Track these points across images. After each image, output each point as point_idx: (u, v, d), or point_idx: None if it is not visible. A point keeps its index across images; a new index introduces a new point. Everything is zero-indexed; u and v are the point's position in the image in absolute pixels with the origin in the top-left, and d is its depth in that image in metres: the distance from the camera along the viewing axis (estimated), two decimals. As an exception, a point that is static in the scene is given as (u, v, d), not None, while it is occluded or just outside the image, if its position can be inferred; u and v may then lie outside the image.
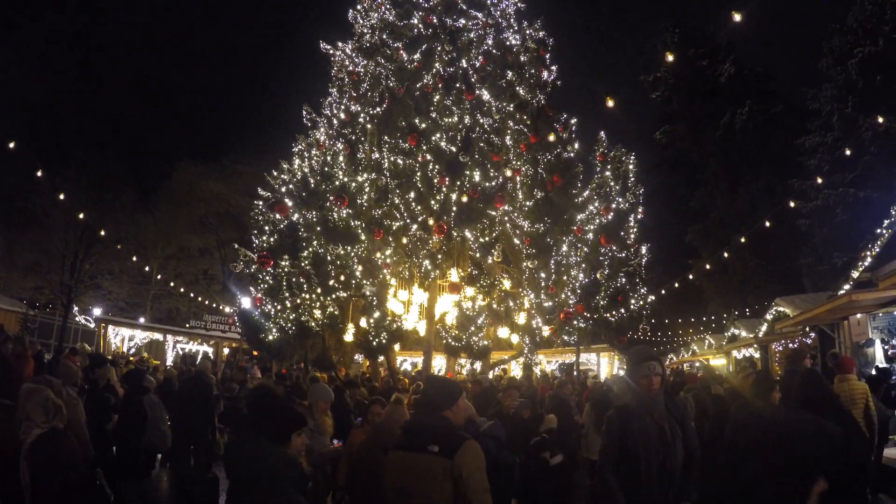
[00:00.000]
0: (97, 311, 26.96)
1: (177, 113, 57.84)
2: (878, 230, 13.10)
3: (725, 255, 23.99)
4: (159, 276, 31.82)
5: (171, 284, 31.10)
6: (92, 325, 26.25)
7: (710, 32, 28.58)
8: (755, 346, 20.87)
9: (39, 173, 16.46)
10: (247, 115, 59.03)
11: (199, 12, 68.35)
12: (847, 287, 12.87)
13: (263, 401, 2.95)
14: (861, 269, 13.45)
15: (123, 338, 25.09)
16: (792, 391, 3.69)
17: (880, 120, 19.34)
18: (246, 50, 67.74)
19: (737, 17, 6.99)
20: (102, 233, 22.59)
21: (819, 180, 21.78)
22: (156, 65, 61.05)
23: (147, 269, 30.10)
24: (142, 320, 28.95)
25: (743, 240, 22.13)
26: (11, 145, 11.18)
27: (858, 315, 11.22)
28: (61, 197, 21.25)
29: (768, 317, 19.02)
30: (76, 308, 27.08)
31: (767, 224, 20.41)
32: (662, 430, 2.96)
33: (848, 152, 19.67)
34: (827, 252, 22.82)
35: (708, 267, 25.47)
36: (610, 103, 7.99)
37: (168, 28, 64.66)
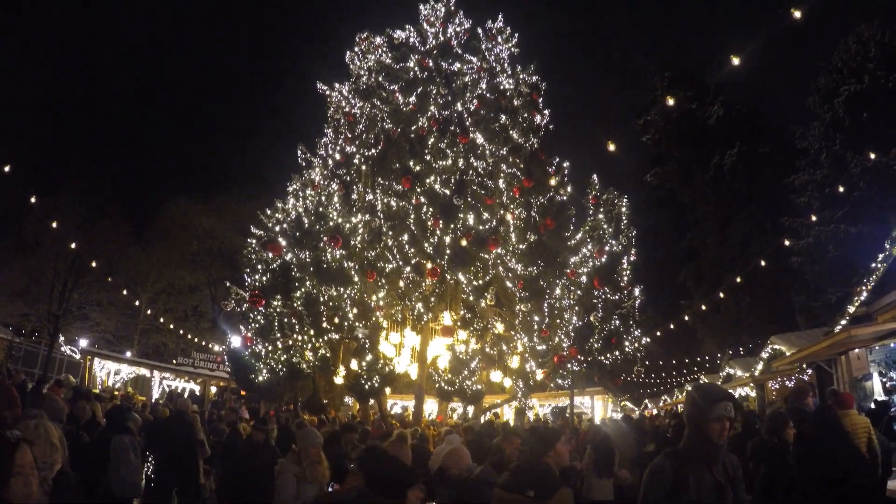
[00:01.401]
0: (84, 343, 26.41)
1: (172, 148, 58.29)
2: (873, 264, 13.17)
3: (721, 294, 24.06)
4: (149, 311, 31.35)
5: (161, 320, 30.60)
6: (78, 357, 25.68)
7: (699, 76, 29.47)
8: (751, 385, 20.71)
9: (33, 199, 16.39)
10: (242, 153, 59.59)
11: (198, 49, 69.81)
12: (844, 322, 12.84)
13: (377, 460, 2.90)
14: (857, 303, 13.46)
15: (109, 371, 24.56)
16: (806, 428, 3.58)
17: (872, 156, 19.74)
18: (243, 87, 68.95)
19: (735, 62, 7.11)
20: (94, 263, 22.34)
21: (814, 218, 22.04)
22: (153, 99, 61.84)
23: (136, 302, 29.69)
24: (129, 354, 28.35)
25: (739, 279, 22.21)
26: (7, 168, 11.13)
27: (857, 350, 11.17)
28: (53, 225, 21.11)
29: (764, 355, 18.95)
30: (62, 338, 26.54)
31: (763, 263, 20.53)
32: (721, 488, 2.49)
33: (841, 189, 19.99)
34: (820, 288, 22.91)
35: (704, 308, 25.49)
36: (611, 147, 8.06)
37: (166, 64, 65.82)
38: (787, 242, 22.40)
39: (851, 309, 13.47)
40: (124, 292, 26.08)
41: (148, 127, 58.14)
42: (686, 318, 25.69)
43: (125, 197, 32.70)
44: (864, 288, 13.43)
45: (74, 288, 26.94)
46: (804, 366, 15.25)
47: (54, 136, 42.26)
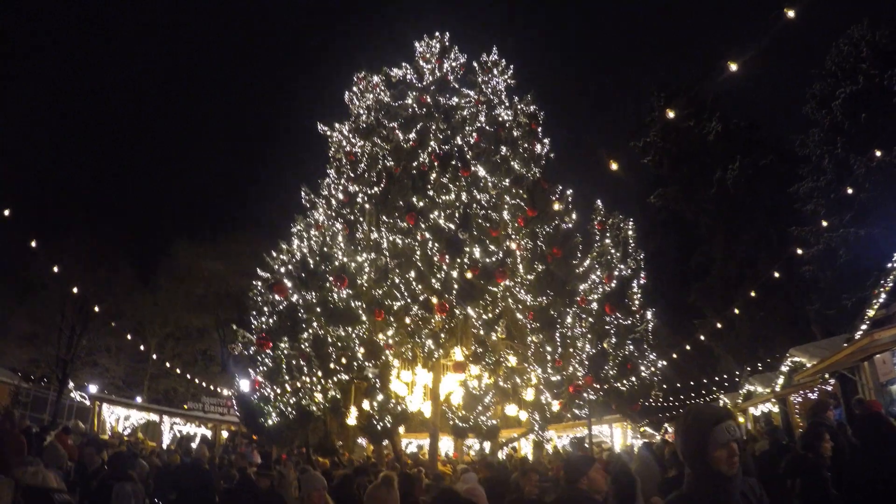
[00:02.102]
0: (93, 389, 26.26)
1: (177, 192, 59.10)
2: (889, 265, 12.93)
3: (736, 311, 23.71)
4: (156, 356, 31.19)
5: (168, 365, 30.43)
6: (87, 403, 25.50)
7: (695, 93, 29.64)
8: (773, 400, 20.25)
9: (34, 243, 16.48)
10: (246, 196, 60.37)
11: (202, 94, 71.40)
12: (864, 327, 12.54)
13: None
14: (876, 306, 13.17)
15: (119, 417, 24.35)
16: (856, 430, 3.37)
17: (878, 154, 19.59)
18: (246, 131, 70.22)
19: (733, 67, 7.07)
20: (99, 308, 22.34)
21: (824, 224, 21.82)
22: (157, 143, 63.00)
23: (144, 347, 29.59)
24: (139, 400, 28.12)
25: (753, 293, 21.86)
26: (7, 212, 11.19)
27: (878, 355, 10.86)
28: (57, 269, 21.18)
29: (784, 369, 18.60)
30: (71, 384, 26.40)
31: (776, 274, 20.19)
32: None
33: (850, 191, 19.81)
34: (834, 296, 22.53)
35: (719, 326, 25.09)
36: (614, 166, 7.98)
37: (171, 109, 67.27)
38: (798, 251, 22.12)
39: (871, 313, 13.19)
40: (129, 337, 26.01)
41: (153, 171, 59.07)
42: (701, 336, 25.29)
43: (131, 241, 32.97)
44: (881, 290, 13.18)
45: (83, 333, 26.94)
46: (826, 376, 14.93)
47: (60, 180, 42.97)
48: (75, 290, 19.63)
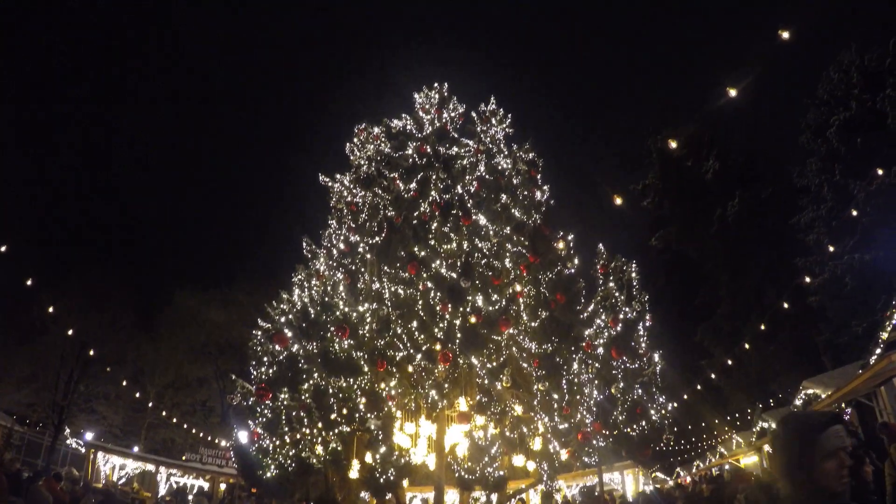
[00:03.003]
0: (89, 436, 25.74)
1: (180, 240, 59.58)
2: None
3: (746, 346, 23.43)
4: (155, 405, 30.68)
5: (164, 413, 29.91)
6: (82, 450, 24.92)
7: (692, 132, 30.12)
8: None
9: (35, 286, 16.38)
10: (248, 246, 60.88)
11: (205, 145, 72.85)
12: (878, 351, 12.26)
13: None
14: (889, 328, 12.93)
15: (114, 466, 23.76)
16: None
17: (879, 172, 19.67)
18: (248, 182, 71.39)
19: (732, 93, 7.09)
20: (95, 353, 22.13)
21: (831, 248, 21.73)
22: (160, 192, 63.85)
23: (143, 396, 29.15)
24: (136, 449, 27.49)
25: (763, 326, 21.56)
26: (3, 248, 11.11)
27: None
28: (51, 309, 21.03)
29: (798, 402, 18.28)
30: (67, 430, 25.88)
31: (786, 305, 19.94)
32: None
33: (854, 213, 19.79)
34: (844, 323, 22.29)
35: (730, 362, 24.75)
36: (618, 201, 7.91)
37: (174, 160, 68.45)
38: (807, 279, 21.94)
39: (884, 335, 12.97)
40: (124, 383, 25.69)
41: (156, 218, 59.59)
42: (713, 375, 24.92)
43: (133, 288, 33.00)
44: (894, 311, 13.00)
45: (81, 379, 26.66)
46: (843, 405, 14.60)
47: (63, 226, 43.37)
48: (71, 332, 19.48)
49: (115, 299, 29.49)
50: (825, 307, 23.54)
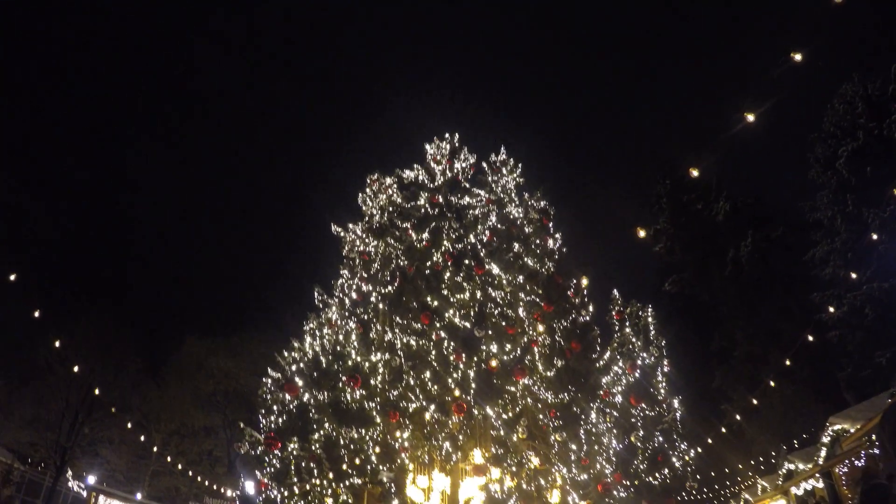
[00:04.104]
0: (91, 479, 25.29)
1: (190, 287, 60.05)
2: None
3: (772, 383, 22.83)
4: (160, 452, 30.20)
5: (169, 460, 29.41)
6: (84, 493, 24.40)
7: (700, 177, 30.27)
8: (816, 476, 18.97)
9: (38, 318, 16.34)
10: (258, 295, 61.19)
11: (217, 191, 74.33)
12: None
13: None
14: None
15: (115, 511, 23.15)
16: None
17: (895, 191, 19.47)
18: (259, 233, 72.39)
19: (750, 118, 7.09)
20: (105, 398, 21.98)
21: (853, 275, 21.33)
22: (171, 239, 64.81)
23: (148, 442, 28.74)
24: (139, 496, 26.88)
25: (788, 362, 20.98)
26: (12, 276, 11.11)
27: None
28: (57, 344, 20.97)
29: (825, 440, 17.68)
30: (70, 472, 25.43)
31: (810, 338, 19.45)
32: None
33: (875, 236, 19.51)
34: (866, 356, 21.71)
35: (755, 401, 24.08)
36: (641, 233, 7.84)
37: (184, 208, 69.72)
38: (830, 309, 21.46)
39: None
40: (128, 427, 25.39)
41: (166, 265, 60.25)
42: (737, 416, 24.22)
43: (141, 333, 33.01)
44: None
45: (85, 421, 26.46)
46: (873, 437, 14.09)
47: (73, 269, 43.90)
48: (77, 368, 19.41)
49: (123, 344, 29.53)
50: (846, 341, 23.04)
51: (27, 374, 27.39)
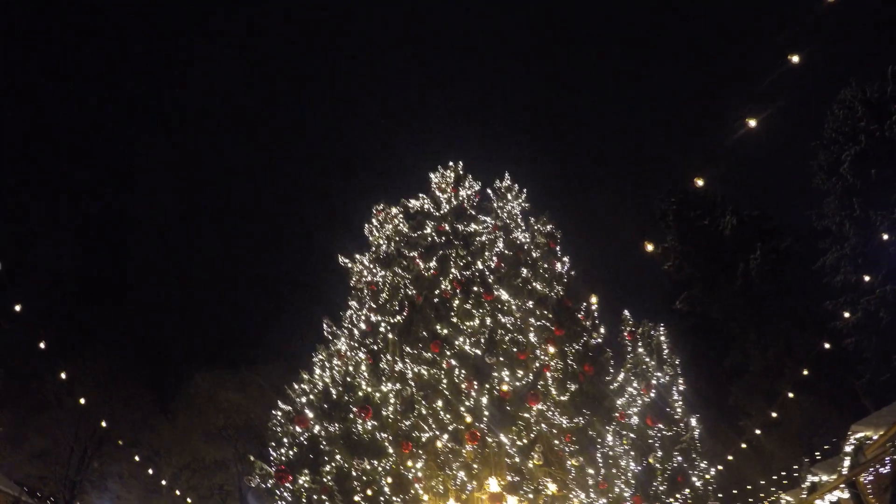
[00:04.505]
0: None
1: (198, 321, 60.18)
2: None
3: (791, 394, 22.45)
4: (165, 483, 29.86)
5: (178, 493, 29.09)
6: None
7: (703, 193, 30.27)
8: (841, 487, 18.54)
9: (63, 375, 16.32)
10: (267, 329, 61.11)
11: (225, 228, 74.94)
12: None
13: None
14: None
15: (125, 546, 22.84)
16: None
17: None
18: (267, 266, 72.65)
19: (751, 123, 7.07)
20: (110, 431, 21.85)
21: (867, 277, 21.06)
22: (181, 273, 65.20)
23: (154, 472, 28.45)
24: (150, 532, 26.49)
25: (806, 372, 20.63)
26: (17, 307, 11.12)
27: None
28: (63, 375, 20.89)
29: (848, 449, 17.32)
30: None
31: (827, 345, 19.15)
32: None
33: (885, 236, 19.31)
34: (884, 360, 21.33)
35: (774, 415, 23.65)
36: (649, 247, 7.79)
37: (193, 242, 70.34)
38: (847, 315, 21.14)
39: None
40: (136, 458, 25.20)
41: (174, 299, 60.50)
42: (757, 431, 23.79)
43: (150, 366, 32.91)
44: None
45: (95, 455, 26.30)
46: None
47: (82, 302, 44.06)
48: (83, 400, 19.40)
49: (132, 377, 29.52)
50: (862, 347, 22.71)
51: (36, 407, 27.37)
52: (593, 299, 12.83)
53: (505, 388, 10.39)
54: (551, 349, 11.03)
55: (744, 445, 21.59)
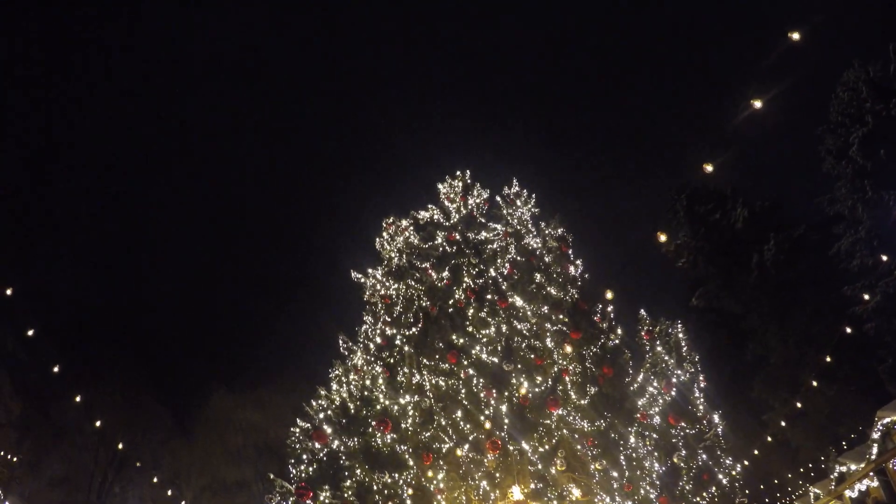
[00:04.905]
0: None
1: (215, 342, 60.43)
2: None
3: (814, 383, 22.10)
4: None
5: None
6: None
7: (713, 187, 30.08)
8: (870, 475, 18.21)
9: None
10: (284, 346, 61.20)
11: (233, 248, 75.44)
12: None
13: None
14: None
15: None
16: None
17: None
18: (282, 285, 72.91)
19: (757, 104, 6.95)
20: (130, 455, 21.93)
21: (884, 257, 20.73)
22: (197, 295, 65.60)
23: (175, 494, 28.48)
24: (175, 554, 26.50)
25: (829, 358, 20.28)
26: (30, 332, 11.13)
27: None
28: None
29: (875, 436, 17.01)
30: None
31: (849, 329, 18.84)
32: None
33: None
34: None
35: (799, 405, 23.28)
36: (662, 238, 7.68)
37: (207, 263, 70.84)
38: (865, 296, 20.81)
39: None
40: (155, 479, 25.24)
41: (190, 321, 60.83)
42: (782, 423, 23.42)
43: (167, 389, 33.00)
44: None
45: (115, 480, 26.36)
46: None
47: (100, 327, 44.38)
48: (116, 438, 19.38)
49: (150, 401, 29.65)
50: (883, 331, 22.32)
51: (56, 434, 27.50)
52: (609, 295, 12.69)
53: (524, 393, 10.30)
54: (569, 351, 10.94)
55: (769, 439, 21.23)
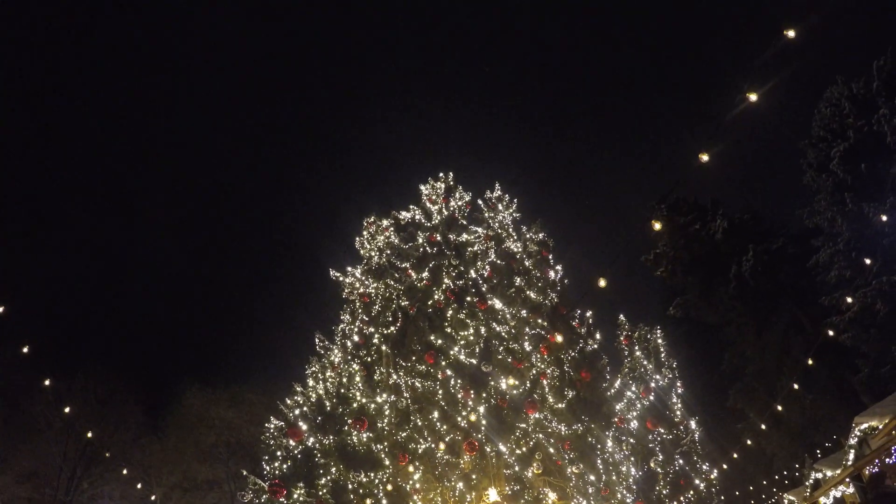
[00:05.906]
0: None
1: (189, 338, 59.70)
2: None
3: (795, 386, 22.25)
4: (155, 498, 29.35)
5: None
6: None
7: (694, 198, 30.45)
8: (846, 481, 18.41)
9: (47, 381, 16.06)
10: (259, 343, 60.71)
11: (211, 244, 74.62)
12: None
13: None
14: None
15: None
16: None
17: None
18: (257, 280, 72.32)
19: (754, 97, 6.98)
20: (100, 450, 21.54)
21: (867, 261, 21.00)
22: (169, 291, 64.68)
23: (145, 491, 27.98)
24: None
25: (810, 361, 20.43)
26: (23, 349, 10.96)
27: None
28: (66, 409, 20.54)
29: (852, 441, 17.21)
30: None
31: (831, 332, 19.07)
32: None
33: (885, 218, 19.35)
34: (883, 351, 21.30)
35: (776, 409, 23.51)
36: (657, 226, 7.67)
37: (185, 260, 69.93)
38: (848, 299, 21.02)
39: None
40: (128, 480, 24.79)
41: (163, 317, 60.00)
42: (762, 426, 23.63)
43: (140, 384, 32.34)
44: None
45: (84, 476, 25.84)
46: None
47: (72, 321, 43.62)
48: (87, 431, 19.01)
49: (122, 397, 29.11)
50: (859, 341, 22.66)
51: (25, 428, 26.88)
52: (601, 282, 12.69)
53: (502, 394, 10.29)
54: (547, 356, 10.94)
55: (749, 442, 21.46)
